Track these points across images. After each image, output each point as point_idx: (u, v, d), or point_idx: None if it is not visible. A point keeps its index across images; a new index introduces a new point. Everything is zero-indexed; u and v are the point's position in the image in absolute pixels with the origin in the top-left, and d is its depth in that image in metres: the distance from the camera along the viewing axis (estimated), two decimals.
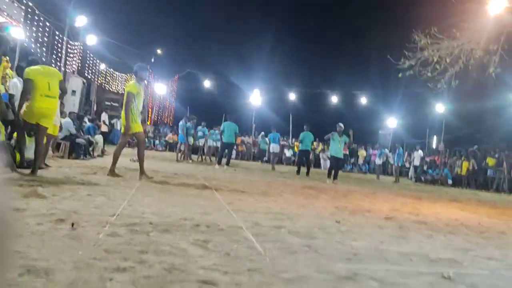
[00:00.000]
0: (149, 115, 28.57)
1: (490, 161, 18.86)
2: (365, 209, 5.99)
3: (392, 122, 29.56)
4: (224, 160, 14.28)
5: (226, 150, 14.60)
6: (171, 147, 25.27)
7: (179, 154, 16.13)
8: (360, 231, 4.08)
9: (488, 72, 11.66)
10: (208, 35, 32.32)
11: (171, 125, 29.28)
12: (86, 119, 14.76)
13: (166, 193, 5.53)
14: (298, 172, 14.57)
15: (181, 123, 16.01)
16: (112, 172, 7.03)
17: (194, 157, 17.53)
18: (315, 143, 23.71)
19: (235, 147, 15.95)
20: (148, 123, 27.74)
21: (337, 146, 12.22)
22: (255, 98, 28.69)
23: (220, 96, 28.79)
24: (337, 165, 12.49)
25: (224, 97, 28.88)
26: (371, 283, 2.33)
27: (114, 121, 23.27)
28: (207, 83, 28.13)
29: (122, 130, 7.28)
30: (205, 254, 2.61)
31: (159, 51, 28.59)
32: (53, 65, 17.08)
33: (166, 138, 26.03)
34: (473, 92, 20.93)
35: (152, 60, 28.41)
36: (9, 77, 7.96)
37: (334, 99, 28.68)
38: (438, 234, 4.31)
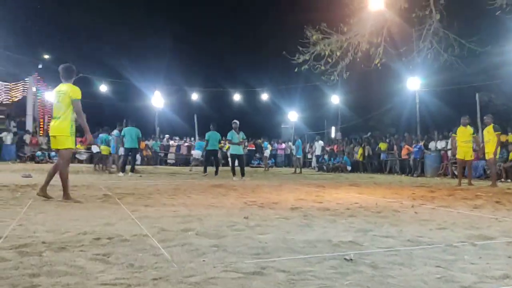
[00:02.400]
0: (41, 126, 26.42)
1: (383, 146, 20.46)
2: (272, 202, 6.13)
3: (293, 116, 30.72)
4: (128, 167, 13.73)
5: (129, 156, 14.04)
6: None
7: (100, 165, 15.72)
8: (268, 224, 4.14)
9: (374, 63, 12.59)
10: (96, 37, 30.61)
11: None
12: None
13: (63, 208, 5.13)
14: (204, 170, 14.52)
15: (115, 132, 15.06)
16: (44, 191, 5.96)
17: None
18: (222, 142, 23.79)
19: (138, 152, 15.36)
20: (41, 134, 25.66)
21: (236, 144, 12.58)
22: (157, 100, 27.97)
23: (119, 100, 27.61)
24: (240, 162, 12.69)
25: (124, 101, 27.77)
26: (278, 275, 2.35)
27: (3, 135, 21.21)
28: (103, 88, 26.77)
29: (70, 145, 5.95)
30: (106, 268, 2.44)
31: (46, 56, 26.52)
32: None
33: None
34: (363, 82, 22.61)
35: (40, 66, 26.23)
36: None
37: (237, 96, 29.05)
38: (339, 219, 4.53)
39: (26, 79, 24.19)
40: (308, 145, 26.84)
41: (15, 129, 23.12)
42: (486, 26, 12.91)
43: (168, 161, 25.44)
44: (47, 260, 2.58)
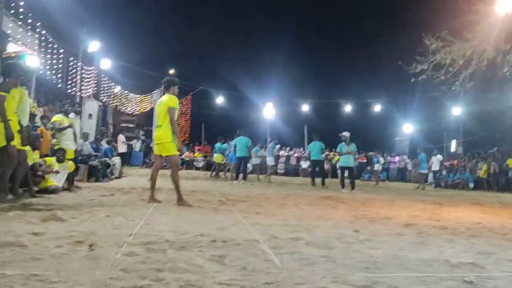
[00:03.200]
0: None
1: (511, 162, 18.46)
2: (384, 217, 5.92)
3: (408, 128, 29.25)
4: (240, 175, 14.29)
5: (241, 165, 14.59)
6: (187, 164, 25.52)
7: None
8: (379, 239, 4.02)
9: (502, 72, 11.53)
10: (219, 52, 32.63)
11: (187, 143, 29.43)
12: (103, 142, 14.98)
13: (183, 211, 5.56)
14: (312, 183, 14.45)
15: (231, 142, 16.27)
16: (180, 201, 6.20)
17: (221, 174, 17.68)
18: (331, 153, 23.56)
19: (249, 160, 15.99)
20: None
21: (345, 156, 12.36)
22: (269, 112, 28.76)
23: (233, 112, 28.93)
24: (349, 174, 12.44)
25: (237, 112, 29.01)
26: None
27: (133, 142, 23.58)
28: (220, 99, 28.32)
29: (175, 151, 6.22)
30: (222, 269, 2.61)
31: (171, 71, 28.92)
32: (68, 90, 17.49)
33: (182, 156, 26.27)
34: (489, 93, 20.73)
35: None
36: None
37: (348, 108, 28.59)
38: (459, 238, 4.23)
39: (153, 92, 26.59)
40: (410, 158, 25.31)
41: (143, 137, 25.54)
42: None
43: (278, 171, 25.93)
44: (170, 257, 2.84)
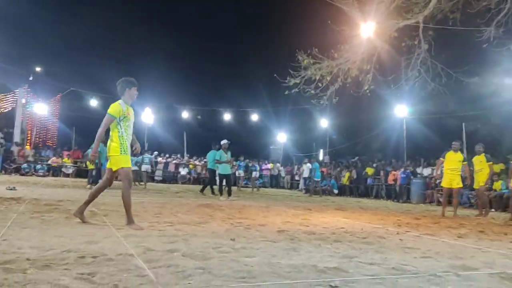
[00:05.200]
0: (29, 138, 26.16)
1: (369, 171, 20.62)
2: (259, 224, 6.12)
3: (282, 137, 30.88)
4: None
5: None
6: (54, 171, 23.44)
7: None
8: (254, 246, 4.13)
9: (363, 89, 12.82)
10: (92, 51, 30.69)
11: (54, 147, 27.04)
12: None
13: (48, 223, 5.07)
14: (212, 191, 14.19)
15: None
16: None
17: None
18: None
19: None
20: (28, 146, 25.37)
21: (225, 163, 12.73)
22: (147, 116, 27.93)
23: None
24: (228, 181, 12.76)
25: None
26: None
27: None
28: (93, 102, 26.67)
29: (123, 163, 5.32)
30: None
31: (38, 69, 26.42)
32: None
33: (49, 162, 24.05)
34: (352, 108, 22.91)
35: (31, 78, 26.10)
36: None
37: (227, 116, 29.18)
38: (325, 243, 4.55)
39: (16, 90, 24.00)
40: (296, 167, 26.96)
41: (2, 140, 22.85)
42: (473, 57, 13.28)
43: (155, 177, 25.27)
44: (31, 278, 2.55)
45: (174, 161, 26.59)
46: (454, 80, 12.17)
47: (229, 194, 12.39)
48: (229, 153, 12.82)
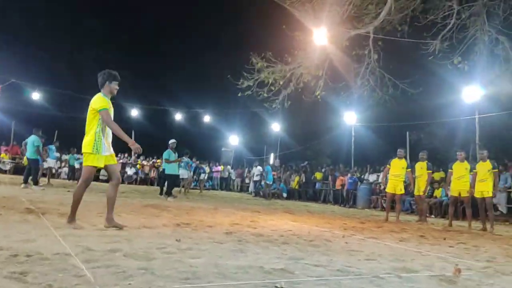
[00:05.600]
0: None
1: (318, 175, 20.99)
2: (207, 225, 6.03)
3: (234, 140, 30.82)
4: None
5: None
6: None
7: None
8: (201, 247, 4.05)
9: (314, 95, 13.05)
10: (36, 43, 29.11)
11: None
12: None
13: None
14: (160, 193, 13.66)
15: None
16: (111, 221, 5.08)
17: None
18: (159, 160, 23.29)
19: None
20: None
21: (174, 163, 12.70)
22: None
23: (52, 110, 26.16)
24: (174, 181, 12.70)
25: (59, 111, 26.35)
26: None
27: None
28: (35, 95, 25.28)
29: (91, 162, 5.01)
30: None
31: None
32: None
33: None
34: (304, 113, 23.30)
35: None
36: None
37: (178, 116, 28.72)
38: (273, 245, 4.54)
39: None
40: (246, 170, 26.98)
41: None
42: (419, 69, 13.89)
43: (100, 177, 24.41)
44: None
45: (121, 161, 25.82)
46: (400, 90, 12.66)
47: (169, 194, 12.29)
48: (176, 153, 12.78)
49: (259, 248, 4.27)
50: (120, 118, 27.85)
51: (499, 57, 11.02)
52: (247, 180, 25.77)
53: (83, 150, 4.99)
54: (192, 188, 22.72)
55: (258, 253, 4.00)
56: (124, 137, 5.05)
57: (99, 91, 5.14)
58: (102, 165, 5.02)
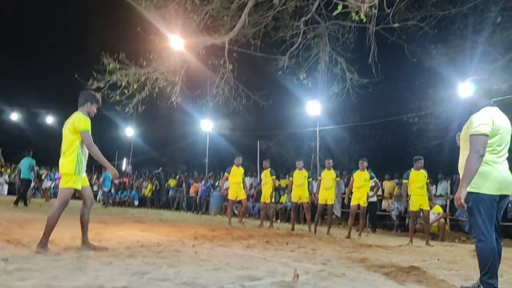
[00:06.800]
0: None
1: (172, 182, 20.73)
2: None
3: None
4: None
5: None
6: None
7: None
8: (32, 267, 3.61)
9: (170, 101, 12.87)
10: None
11: None
12: None
13: None
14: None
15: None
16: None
17: None
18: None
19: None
20: None
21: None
22: None
23: None
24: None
25: None
26: None
27: None
28: None
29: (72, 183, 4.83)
30: None
31: None
32: None
33: None
34: (159, 118, 22.90)
35: None
36: None
37: (15, 116, 25.63)
38: (117, 260, 4.26)
39: None
40: (95, 177, 25.30)
41: None
42: (269, 82, 14.79)
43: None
44: None
45: None
46: (252, 102, 13.28)
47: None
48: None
49: (101, 264, 3.97)
50: None
51: (337, 76, 12.31)
52: (95, 188, 24.17)
53: (63, 170, 4.84)
54: (33, 196, 20.46)
55: (99, 270, 3.70)
56: (104, 162, 5.13)
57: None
58: (79, 187, 4.92)
